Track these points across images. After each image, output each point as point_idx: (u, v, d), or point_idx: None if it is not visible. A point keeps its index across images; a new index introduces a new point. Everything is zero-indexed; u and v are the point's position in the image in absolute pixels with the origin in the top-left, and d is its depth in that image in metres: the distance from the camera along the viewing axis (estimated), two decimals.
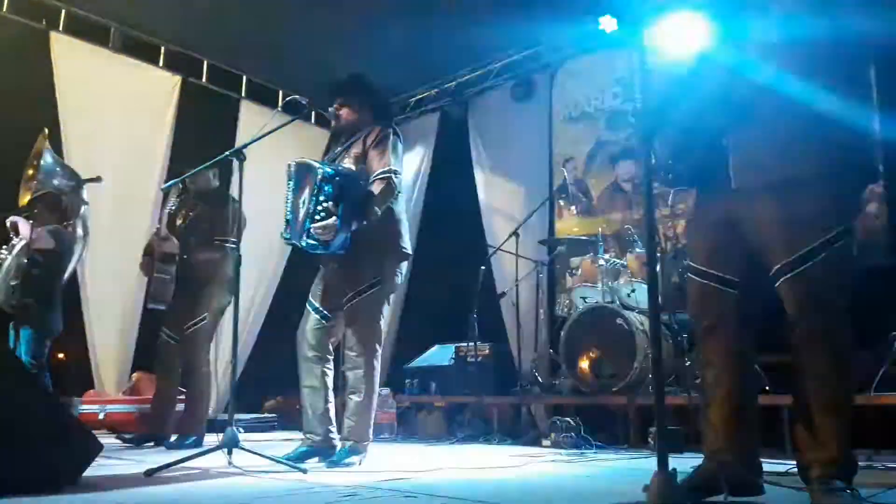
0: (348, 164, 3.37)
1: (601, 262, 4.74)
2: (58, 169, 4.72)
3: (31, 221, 4.29)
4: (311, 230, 3.09)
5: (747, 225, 1.99)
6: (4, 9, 5.48)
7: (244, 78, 6.98)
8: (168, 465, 2.73)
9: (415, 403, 5.56)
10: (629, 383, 4.31)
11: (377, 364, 3.31)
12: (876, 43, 2.08)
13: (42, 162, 4.51)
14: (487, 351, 5.17)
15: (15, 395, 2.22)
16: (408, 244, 3.45)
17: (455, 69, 6.78)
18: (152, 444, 4.26)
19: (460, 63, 6.68)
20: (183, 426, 4.26)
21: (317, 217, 3.10)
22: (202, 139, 6.34)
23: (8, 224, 4.29)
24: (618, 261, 4.81)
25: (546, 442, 4.26)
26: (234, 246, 4.32)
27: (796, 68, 1.91)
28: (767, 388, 3.64)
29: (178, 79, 6.41)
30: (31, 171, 4.61)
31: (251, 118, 6.77)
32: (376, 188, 3.23)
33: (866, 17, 1.92)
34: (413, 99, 7.30)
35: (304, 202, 3.17)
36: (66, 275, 4.42)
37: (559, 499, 2.31)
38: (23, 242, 4.16)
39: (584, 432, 4.17)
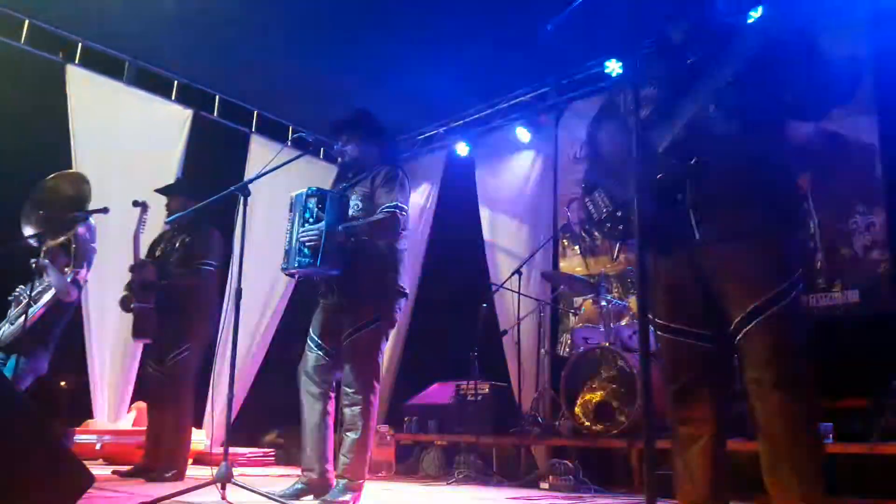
0: (355, 200, 3.40)
1: (603, 302, 4.73)
2: (92, 223, 4.74)
3: (67, 270, 4.28)
4: (301, 243, 3.13)
5: (709, 276, 1.95)
6: (22, 41, 5.62)
7: (255, 113, 7.09)
8: (160, 500, 2.70)
9: (414, 441, 5.51)
10: (630, 426, 4.27)
11: (375, 400, 3.29)
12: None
13: (82, 216, 4.52)
14: (487, 389, 5.13)
15: (6, 425, 2.22)
16: (405, 283, 3.46)
17: (463, 108, 6.88)
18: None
19: (468, 102, 6.78)
20: (164, 459, 4.16)
21: (303, 231, 3.15)
22: (212, 172, 6.42)
23: (35, 265, 4.21)
24: (620, 302, 4.80)
25: (545, 485, 4.21)
26: (212, 269, 4.36)
27: (745, 121, 1.90)
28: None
29: (189, 112, 6.51)
30: (68, 216, 4.59)
31: (260, 152, 6.85)
32: (377, 217, 3.26)
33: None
34: (421, 136, 7.38)
35: (296, 227, 3.22)
36: (67, 319, 4.41)
37: None
38: (51, 292, 4.16)
39: (584, 475, 4.11)
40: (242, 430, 6.26)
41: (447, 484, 4.55)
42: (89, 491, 2.43)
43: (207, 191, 4.03)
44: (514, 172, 6.59)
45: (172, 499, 2.76)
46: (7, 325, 4.10)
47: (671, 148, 1.93)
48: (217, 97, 6.81)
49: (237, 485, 2.84)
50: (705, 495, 1.94)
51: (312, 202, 3.18)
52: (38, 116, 5.61)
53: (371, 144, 3.57)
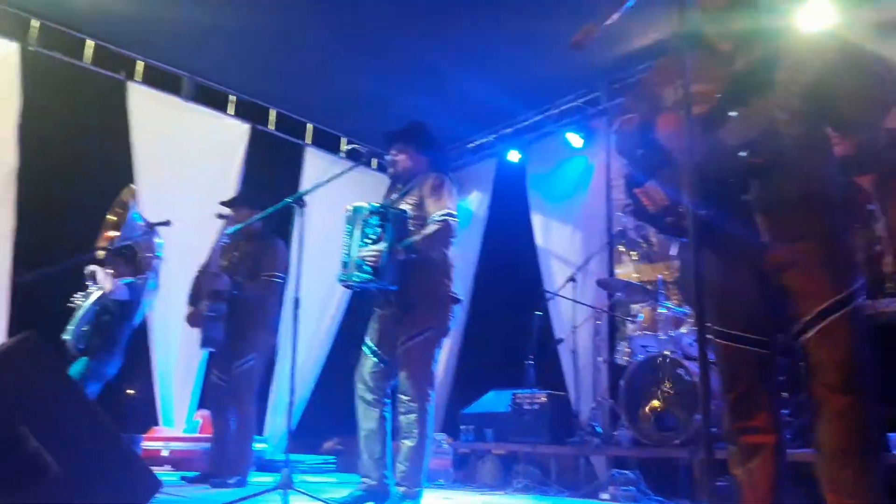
0: (407, 211, 3.43)
1: (662, 310, 4.63)
2: (139, 223, 4.93)
3: (110, 271, 4.46)
4: (361, 261, 3.15)
5: (776, 277, 1.91)
6: (85, 60, 5.86)
7: (309, 125, 7.23)
8: None
9: (471, 450, 5.48)
10: (692, 436, 4.16)
11: (431, 409, 3.30)
12: None
13: (128, 216, 4.72)
14: (544, 399, 5.07)
15: (87, 433, 2.31)
16: (459, 290, 3.46)
17: (513, 115, 6.86)
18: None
19: (518, 109, 6.76)
20: (228, 466, 4.27)
21: (365, 248, 3.18)
22: (269, 185, 6.56)
23: (87, 271, 4.43)
24: (680, 309, 4.69)
25: (605, 495, 4.13)
26: (280, 281, 4.45)
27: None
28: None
29: (247, 127, 6.67)
30: (114, 220, 4.81)
31: (315, 164, 6.99)
32: (432, 228, 3.27)
33: None
34: (471, 145, 7.39)
35: (355, 241, 3.25)
36: (135, 325, 4.53)
37: None
38: (100, 292, 4.31)
39: (645, 486, 4.02)
40: (303, 437, 6.35)
41: (506, 493, 4.52)
42: (157, 496, 2.50)
43: (268, 203, 4.15)
44: (567, 178, 6.53)
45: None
46: (71, 331, 4.25)
47: (739, 148, 1.90)
48: (272, 111, 6.97)
49: (299, 491, 2.88)
50: None
51: (375, 219, 3.22)
52: (101, 133, 5.82)
53: (422, 155, 3.60)
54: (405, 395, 3.27)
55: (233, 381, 4.35)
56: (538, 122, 6.78)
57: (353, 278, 3.20)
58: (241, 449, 4.34)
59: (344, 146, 7.21)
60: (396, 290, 3.27)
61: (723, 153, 1.92)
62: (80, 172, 5.19)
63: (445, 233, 3.30)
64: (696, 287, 1.80)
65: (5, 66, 5.36)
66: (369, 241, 3.18)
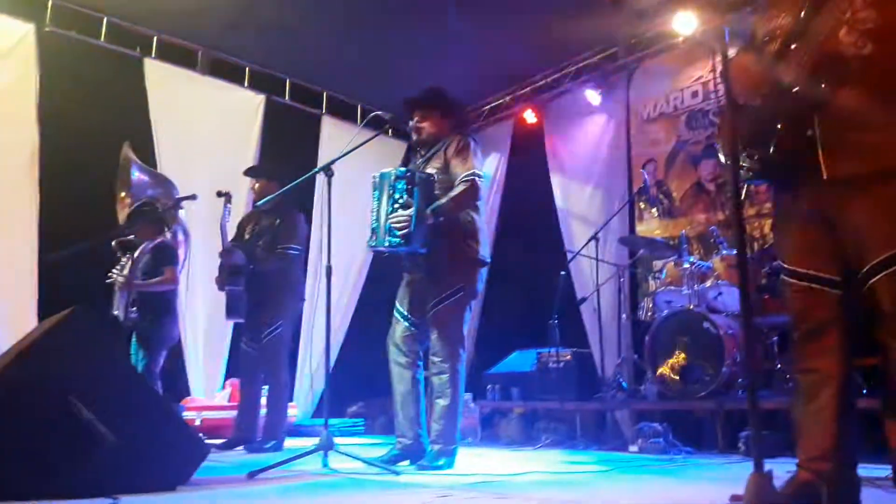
0: (429, 171, 3.45)
1: (686, 264, 4.64)
2: (147, 179, 4.98)
3: (131, 237, 4.53)
4: (391, 226, 3.19)
5: (841, 218, 1.85)
6: (99, 37, 5.86)
7: (324, 94, 7.21)
8: (269, 467, 2.86)
9: (497, 409, 5.58)
10: (717, 388, 4.21)
11: (462, 369, 3.37)
12: None
13: (132, 176, 4.78)
14: (569, 357, 5.14)
15: (134, 401, 2.39)
16: (486, 252, 3.49)
17: (529, 74, 6.79)
18: (242, 448, 4.41)
19: (534, 68, 6.69)
20: (264, 431, 4.41)
21: (394, 214, 3.21)
22: (287, 155, 6.59)
23: (114, 245, 4.53)
24: (703, 263, 4.70)
25: (633, 448, 4.21)
26: (296, 253, 4.51)
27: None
28: (864, 391, 3.48)
29: (262, 97, 6.68)
30: (122, 187, 4.88)
31: (332, 133, 7.00)
32: (459, 189, 3.30)
33: None
34: (487, 106, 7.35)
35: (384, 206, 3.28)
36: (178, 284, 4.61)
37: (663, 499, 2.27)
38: (130, 263, 4.39)
39: (673, 438, 4.10)
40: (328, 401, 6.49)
41: (535, 449, 4.62)
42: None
43: (288, 173, 4.20)
44: (586, 137, 6.49)
45: (281, 466, 2.91)
46: (119, 306, 4.33)
47: (801, 79, 1.84)
48: (287, 81, 6.95)
49: (340, 452, 2.97)
50: (829, 449, 1.85)
51: (402, 184, 3.24)
52: (121, 110, 5.83)
53: (445, 119, 3.61)
54: (437, 357, 3.33)
55: (263, 349, 4.46)
56: (555, 80, 6.70)
57: (384, 243, 3.24)
58: (276, 414, 4.45)
59: (360, 113, 7.19)
60: (425, 254, 3.31)
61: (786, 88, 1.87)
62: (102, 150, 5.22)
63: (472, 193, 3.33)
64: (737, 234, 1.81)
65: (23, 47, 5.38)
66: (397, 207, 3.21)
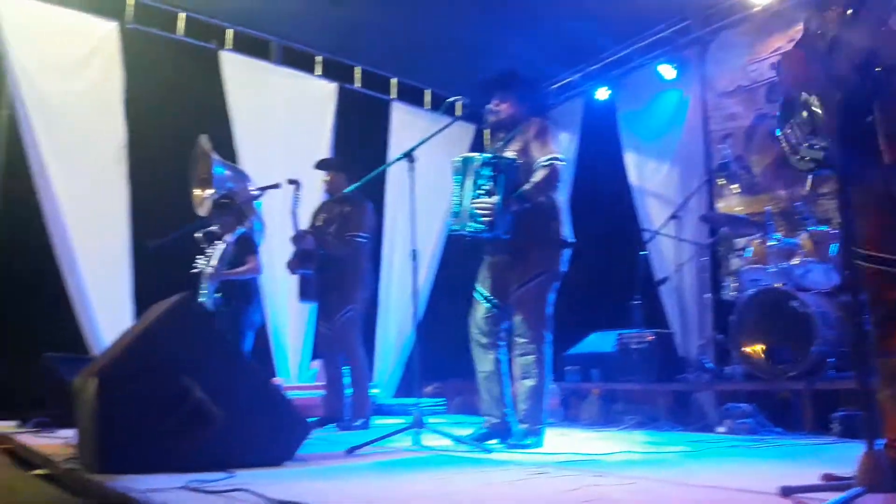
0: (510, 156, 3.45)
1: (772, 242, 4.50)
2: (227, 172, 5.15)
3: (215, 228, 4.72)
4: (475, 212, 3.21)
5: None
6: (177, 32, 6.07)
7: (393, 80, 7.27)
8: (366, 444, 2.96)
9: (575, 390, 5.56)
10: (807, 368, 4.09)
11: (548, 350, 3.38)
12: None
13: (214, 171, 4.95)
14: (651, 337, 5.07)
15: (242, 383, 2.51)
16: (569, 233, 3.48)
17: (599, 50, 6.67)
18: (333, 426, 4.56)
19: (604, 44, 6.57)
20: (353, 410, 4.56)
21: (478, 200, 3.23)
22: (359, 142, 6.70)
23: (197, 236, 4.74)
24: (790, 240, 4.55)
25: (720, 429, 4.13)
26: (363, 241, 4.63)
27: None
28: None
29: (334, 86, 6.79)
30: (200, 180, 5.06)
31: (402, 118, 7.08)
32: (541, 174, 3.29)
33: None
34: (556, 85, 7.26)
35: (467, 191, 3.31)
36: (261, 272, 4.81)
37: (759, 478, 2.24)
38: (219, 250, 4.56)
39: (762, 418, 4.01)
40: (407, 382, 6.63)
41: (619, 429, 4.59)
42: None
43: (357, 162, 4.24)
44: (660, 113, 6.35)
45: (376, 443, 3.00)
46: (206, 294, 4.52)
47: (857, 67, 1.83)
48: (357, 69, 7.04)
49: (431, 430, 3.04)
50: None
51: (487, 170, 3.25)
52: (201, 102, 6.03)
53: (523, 103, 3.59)
54: (522, 338, 3.35)
55: (337, 331, 4.62)
56: (626, 55, 6.56)
57: (467, 228, 3.27)
58: (360, 393, 4.59)
59: (430, 97, 7.22)
60: (508, 238, 3.32)
61: (842, 77, 1.86)
62: (185, 142, 5.42)
63: (553, 177, 3.32)
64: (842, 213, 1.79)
65: (107, 45, 5.64)
66: (482, 192, 3.23)
